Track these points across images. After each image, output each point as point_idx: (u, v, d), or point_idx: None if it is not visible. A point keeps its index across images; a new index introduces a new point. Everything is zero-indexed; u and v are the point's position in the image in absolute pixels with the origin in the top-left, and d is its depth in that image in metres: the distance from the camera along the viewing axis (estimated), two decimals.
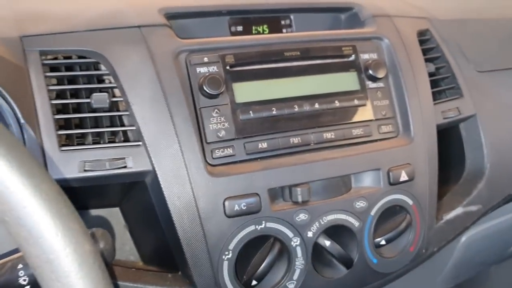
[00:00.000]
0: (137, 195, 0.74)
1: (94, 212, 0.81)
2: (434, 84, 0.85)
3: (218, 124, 0.69)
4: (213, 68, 0.70)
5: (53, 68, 0.71)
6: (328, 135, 0.76)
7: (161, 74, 0.71)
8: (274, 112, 0.73)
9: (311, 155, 0.73)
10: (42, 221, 0.32)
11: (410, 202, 0.78)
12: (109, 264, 0.60)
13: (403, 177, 0.81)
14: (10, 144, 0.33)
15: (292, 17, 0.90)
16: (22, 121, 0.65)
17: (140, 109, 0.70)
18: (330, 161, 0.73)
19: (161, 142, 0.66)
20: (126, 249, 0.84)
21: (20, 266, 0.47)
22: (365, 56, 0.81)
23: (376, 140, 0.79)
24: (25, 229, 0.32)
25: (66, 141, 0.68)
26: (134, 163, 0.69)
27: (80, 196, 0.66)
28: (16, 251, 0.59)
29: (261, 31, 0.88)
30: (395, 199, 0.81)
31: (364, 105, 0.79)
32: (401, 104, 0.81)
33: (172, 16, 0.79)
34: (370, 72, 0.79)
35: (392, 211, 0.77)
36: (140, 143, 0.65)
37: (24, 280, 0.46)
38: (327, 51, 0.78)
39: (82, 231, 0.34)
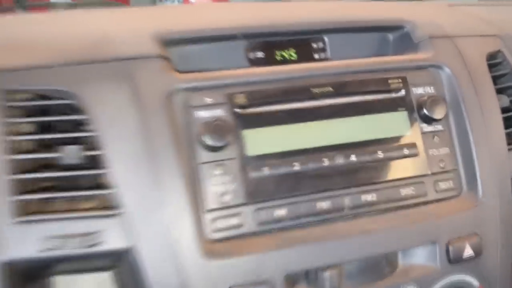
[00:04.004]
0: (116, 273, 0.58)
1: None
2: (508, 122, 0.65)
3: (222, 186, 0.56)
4: (217, 112, 0.58)
5: (24, 111, 0.56)
6: (368, 198, 0.59)
7: (149, 121, 0.55)
8: (296, 168, 0.58)
9: (345, 226, 0.59)
10: None
11: (476, 284, 0.60)
12: None
13: (467, 252, 0.62)
14: None
15: (326, 39, 0.72)
16: None
17: (120, 166, 0.54)
18: (370, 235, 0.59)
19: (146, 211, 0.54)
20: None
21: None
22: (418, 91, 0.66)
23: (431, 202, 0.63)
24: None
25: (24, 209, 0.53)
26: (111, 239, 0.53)
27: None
28: None
29: (287, 57, 0.71)
30: (456, 281, 0.62)
31: (416, 155, 0.63)
32: (465, 153, 0.65)
33: (171, 42, 0.62)
34: (425, 111, 0.64)
35: None
36: (119, 211, 0.50)
37: None
38: (368, 85, 0.64)
39: None
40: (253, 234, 0.56)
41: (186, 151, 0.55)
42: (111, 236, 0.54)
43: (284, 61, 0.70)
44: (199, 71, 0.61)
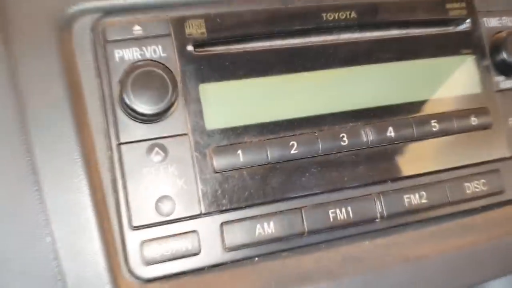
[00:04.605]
0: None
1: None
2: None
3: (162, 184, 0.34)
4: (153, 50, 0.34)
5: None
6: (414, 199, 0.39)
7: (25, 67, 0.30)
8: (294, 151, 0.36)
9: (376, 248, 0.37)
10: None
11: None
12: None
13: None
14: None
15: None
16: None
17: None
18: (416, 263, 0.36)
19: (16, 233, 0.30)
20: None
21: None
22: (492, 22, 0.43)
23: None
24: None
25: None
26: None
27: None
28: None
29: None
30: None
31: (488, 126, 0.42)
32: None
33: None
34: (504, 55, 0.42)
35: None
36: None
37: None
38: (413, 10, 0.41)
39: None
40: (217, 268, 0.34)
41: (94, 122, 0.34)
42: None
43: None
44: None
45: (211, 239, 0.34)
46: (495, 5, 0.43)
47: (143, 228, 0.33)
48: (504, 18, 0.43)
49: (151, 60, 0.34)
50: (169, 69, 0.34)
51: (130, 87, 0.32)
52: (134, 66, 0.33)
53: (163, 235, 0.33)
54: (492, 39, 0.42)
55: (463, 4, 0.42)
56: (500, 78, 0.43)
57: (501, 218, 0.40)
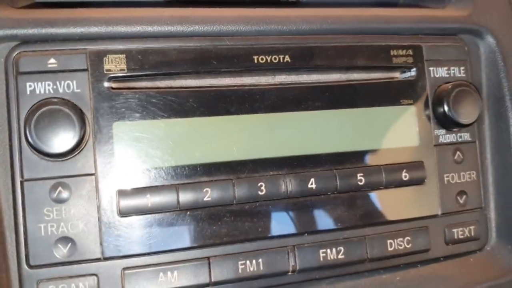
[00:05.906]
0: None
1: None
2: None
3: (63, 225, 0.32)
4: (67, 85, 0.33)
5: None
6: (330, 255, 0.37)
7: None
8: (207, 198, 0.34)
9: None
10: None
11: None
12: None
13: None
14: None
15: None
16: None
17: None
18: None
19: None
20: None
21: None
22: (439, 72, 0.41)
23: (437, 261, 0.40)
24: None
25: None
26: None
27: None
28: None
29: None
30: None
31: (420, 181, 0.40)
32: (504, 182, 0.42)
33: None
34: (446, 109, 0.40)
35: None
36: None
37: None
38: (354, 56, 0.39)
39: None
40: None
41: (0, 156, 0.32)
42: None
43: (222, 2, 0.42)
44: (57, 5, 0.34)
45: (111, 284, 0.33)
46: (446, 54, 0.41)
47: (40, 267, 0.32)
48: (453, 68, 0.41)
49: (62, 96, 0.33)
50: (79, 108, 0.32)
51: (34, 126, 0.31)
52: (40, 104, 0.32)
53: (61, 276, 0.33)
54: (437, 90, 0.41)
55: (410, 52, 0.40)
56: (441, 132, 0.40)
57: (424, 276, 0.39)
